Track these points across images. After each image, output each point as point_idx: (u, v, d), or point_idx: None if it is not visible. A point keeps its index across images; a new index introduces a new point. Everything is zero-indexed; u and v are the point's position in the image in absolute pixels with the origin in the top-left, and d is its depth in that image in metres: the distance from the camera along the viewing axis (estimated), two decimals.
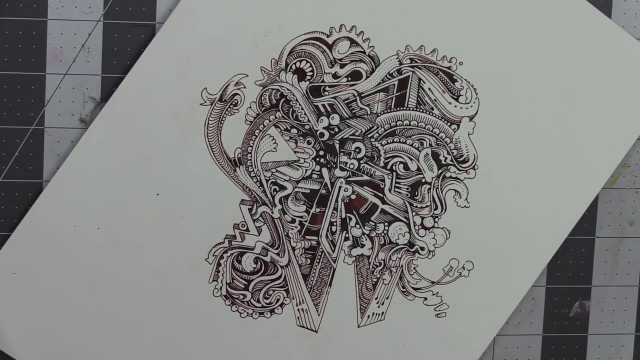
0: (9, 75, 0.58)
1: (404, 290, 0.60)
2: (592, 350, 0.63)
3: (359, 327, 0.60)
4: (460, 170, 0.60)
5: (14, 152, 0.58)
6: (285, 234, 0.59)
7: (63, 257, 0.58)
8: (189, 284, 0.59)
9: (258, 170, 0.59)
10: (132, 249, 0.58)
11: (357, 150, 0.59)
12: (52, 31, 0.58)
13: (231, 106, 0.58)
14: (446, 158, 0.60)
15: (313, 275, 0.60)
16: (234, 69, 0.58)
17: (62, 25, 0.58)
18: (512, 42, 0.59)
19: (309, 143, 0.59)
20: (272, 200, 0.59)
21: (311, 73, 0.59)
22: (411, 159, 0.60)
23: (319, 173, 0.59)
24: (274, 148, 0.59)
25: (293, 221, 0.59)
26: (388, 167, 0.60)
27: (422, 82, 0.59)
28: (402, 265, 0.60)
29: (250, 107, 0.58)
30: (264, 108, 0.59)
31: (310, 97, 0.59)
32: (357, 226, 0.60)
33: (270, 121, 0.59)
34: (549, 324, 0.63)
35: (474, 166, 0.60)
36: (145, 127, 0.58)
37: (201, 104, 0.58)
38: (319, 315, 0.60)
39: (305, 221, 0.59)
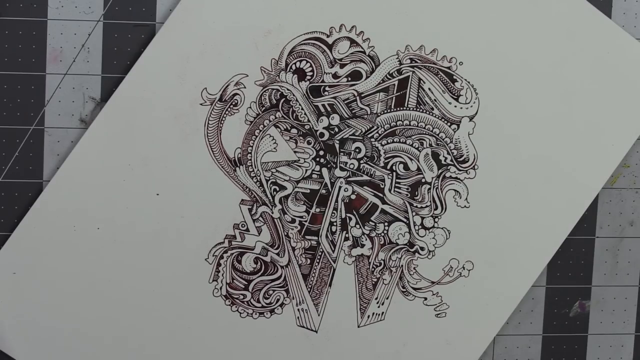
0: (9, 75, 0.58)
1: (404, 290, 0.60)
2: (592, 350, 0.63)
3: (359, 327, 0.60)
4: (460, 170, 0.60)
5: (14, 152, 0.58)
6: (285, 234, 0.59)
7: (63, 257, 0.58)
8: (189, 284, 0.59)
9: (258, 170, 0.59)
10: (132, 249, 0.58)
11: (357, 150, 0.59)
12: (52, 31, 0.58)
13: (231, 106, 0.58)
14: (446, 158, 0.60)
15: (313, 275, 0.60)
16: (234, 69, 0.58)
17: (62, 25, 0.58)
18: (512, 42, 0.59)
19: (309, 143, 0.59)
20: (272, 200, 0.59)
21: (311, 73, 0.59)
22: (411, 159, 0.60)
23: (319, 173, 0.59)
24: (274, 148, 0.59)
25: (293, 221, 0.59)
26: (388, 167, 0.60)
27: (422, 82, 0.59)
28: (402, 265, 0.60)
29: (250, 107, 0.58)
30: (264, 108, 0.59)
31: (310, 97, 0.59)
32: (357, 226, 0.60)
33: (270, 121, 0.59)
34: (549, 324, 0.63)
35: (474, 166, 0.60)
36: (145, 127, 0.58)
37: (201, 104, 0.58)
38: (319, 315, 0.60)
39: (305, 221, 0.59)
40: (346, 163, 0.59)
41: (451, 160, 0.60)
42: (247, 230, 0.59)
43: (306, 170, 0.59)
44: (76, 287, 0.58)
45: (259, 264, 0.60)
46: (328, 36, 0.58)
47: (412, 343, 0.60)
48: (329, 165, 0.59)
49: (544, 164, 0.60)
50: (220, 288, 0.59)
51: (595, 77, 0.60)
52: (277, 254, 0.59)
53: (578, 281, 0.63)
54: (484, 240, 0.60)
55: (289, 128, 0.59)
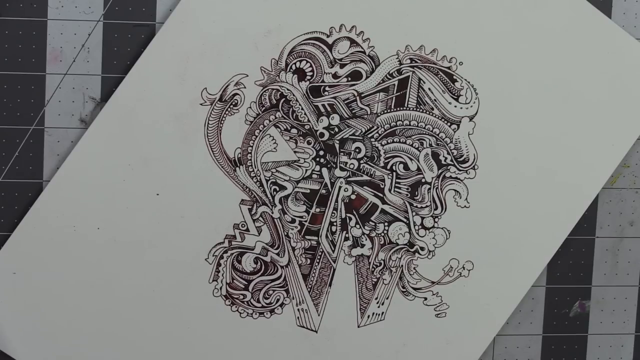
0: (9, 75, 0.58)
1: (404, 290, 0.60)
2: (592, 350, 0.63)
3: (359, 327, 0.60)
4: (460, 170, 0.60)
5: (14, 152, 0.58)
6: (285, 234, 0.59)
7: (63, 257, 0.58)
8: (189, 284, 0.59)
9: (258, 170, 0.59)
10: (132, 249, 0.58)
11: (357, 150, 0.59)
12: (52, 31, 0.58)
13: (231, 106, 0.58)
14: (446, 158, 0.60)
15: (313, 275, 0.60)
16: (234, 69, 0.58)
17: (62, 25, 0.58)
18: (512, 42, 0.59)
19: (309, 143, 0.59)
20: (272, 200, 0.59)
21: (311, 73, 0.59)
22: (411, 159, 0.60)
23: (319, 173, 0.59)
24: (274, 148, 0.59)
25: (293, 221, 0.59)
26: (388, 167, 0.60)
27: (422, 82, 0.59)
28: (402, 265, 0.60)
29: (250, 107, 0.58)
30: (264, 108, 0.59)
31: (310, 97, 0.59)
32: (357, 226, 0.60)
33: (270, 121, 0.59)
34: (549, 324, 0.63)
35: (474, 166, 0.60)
36: (145, 127, 0.58)
37: (201, 104, 0.58)
38: (319, 315, 0.60)
39: (305, 221, 0.59)
40: (346, 163, 0.59)
41: (451, 160, 0.60)
42: (247, 230, 0.59)
43: (306, 170, 0.59)
44: (76, 287, 0.58)
45: (259, 264, 0.60)
46: (328, 36, 0.58)
47: (412, 343, 0.60)
48: (329, 165, 0.59)
49: (544, 164, 0.60)
50: (220, 288, 0.59)
51: (595, 77, 0.60)
52: (277, 254, 0.59)
53: (578, 281, 0.63)
54: (484, 240, 0.60)
55: (289, 128, 0.59)
